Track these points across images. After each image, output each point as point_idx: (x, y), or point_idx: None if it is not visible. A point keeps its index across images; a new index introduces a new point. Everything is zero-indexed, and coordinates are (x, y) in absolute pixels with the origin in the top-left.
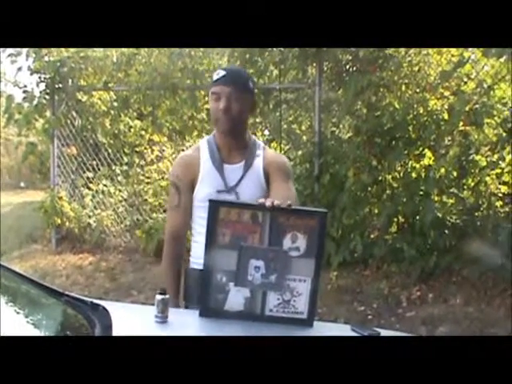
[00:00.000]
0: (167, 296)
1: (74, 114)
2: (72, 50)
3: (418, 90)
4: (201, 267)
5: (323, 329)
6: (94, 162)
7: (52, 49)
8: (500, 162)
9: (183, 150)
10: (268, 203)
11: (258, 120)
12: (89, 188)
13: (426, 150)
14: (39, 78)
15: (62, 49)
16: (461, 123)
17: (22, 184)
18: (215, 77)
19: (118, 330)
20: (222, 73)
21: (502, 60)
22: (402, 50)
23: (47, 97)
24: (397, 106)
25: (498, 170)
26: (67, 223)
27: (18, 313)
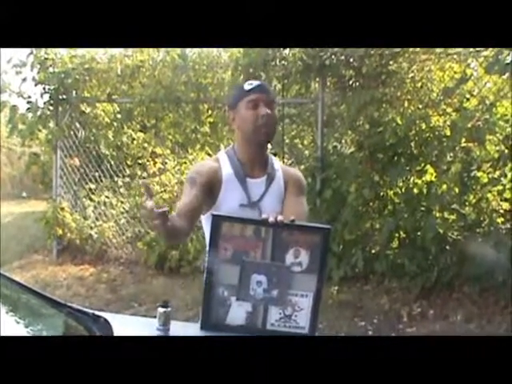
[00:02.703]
0: (169, 309)
1: (78, 125)
2: (76, 61)
3: (420, 106)
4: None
5: None
6: (97, 174)
7: (56, 60)
8: (502, 179)
9: (185, 163)
10: (271, 218)
11: None
12: (91, 199)
13: (428, 166)
14: (43, 88)
15: (67, 60)
16: (463, 140)
17: (24, 194)
18: (248, 86)
19: None
20: (256, 82)
21: (504, 77)
22: (405, 66)
23: (51, 108)
24: (399, 121)
25: (500, 187)
26: (69, 234)
27: (18, 323)
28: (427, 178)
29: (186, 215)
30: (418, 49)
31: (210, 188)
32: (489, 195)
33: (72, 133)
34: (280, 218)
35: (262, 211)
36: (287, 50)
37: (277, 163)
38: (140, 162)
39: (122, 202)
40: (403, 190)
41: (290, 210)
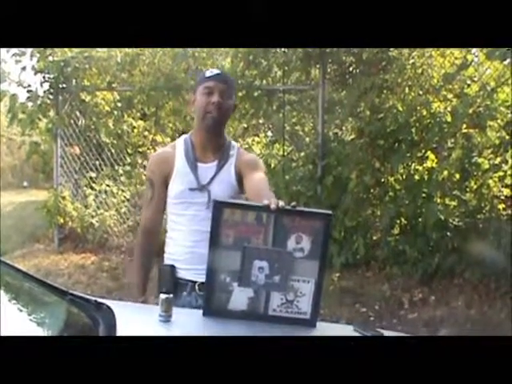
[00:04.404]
0: (171, 295)
1: (78, 113)
2: (76, 50)
3: (421, 93)
4: (174, 263)
5: (326, 329)
6: (97, 162)
7: (56, 49)
8: (503, 165)
9: None
10: (273, 205)
11: (261, 121)
12: (92, 188)
13: (429, 153)
14: (43, 77)
15: (66, 49)
16: (464, 126)
17: (25, 183)
18: (208, 73)
19: (122, 329)
20: (217, 71)
21: (505, 63)
22: (406, 53)
23: (51, 96)
24: (400, 108)
25: (501, 173)
26: (70, 223)
27: (21, 311)
28: (428, 164)
29: (154, 229)
30: None
31: (166, 179)
32: (490, 181)
33: (72, 121)
34: (281, 203)
35: (212, 194)
36: None
37: (234, 149)
38: (140, 150)
39: (122, 191)
40: (404, 176)
41: (252, 186)
